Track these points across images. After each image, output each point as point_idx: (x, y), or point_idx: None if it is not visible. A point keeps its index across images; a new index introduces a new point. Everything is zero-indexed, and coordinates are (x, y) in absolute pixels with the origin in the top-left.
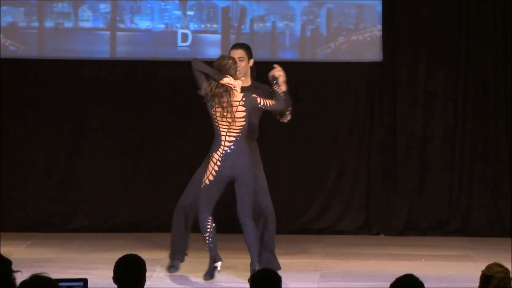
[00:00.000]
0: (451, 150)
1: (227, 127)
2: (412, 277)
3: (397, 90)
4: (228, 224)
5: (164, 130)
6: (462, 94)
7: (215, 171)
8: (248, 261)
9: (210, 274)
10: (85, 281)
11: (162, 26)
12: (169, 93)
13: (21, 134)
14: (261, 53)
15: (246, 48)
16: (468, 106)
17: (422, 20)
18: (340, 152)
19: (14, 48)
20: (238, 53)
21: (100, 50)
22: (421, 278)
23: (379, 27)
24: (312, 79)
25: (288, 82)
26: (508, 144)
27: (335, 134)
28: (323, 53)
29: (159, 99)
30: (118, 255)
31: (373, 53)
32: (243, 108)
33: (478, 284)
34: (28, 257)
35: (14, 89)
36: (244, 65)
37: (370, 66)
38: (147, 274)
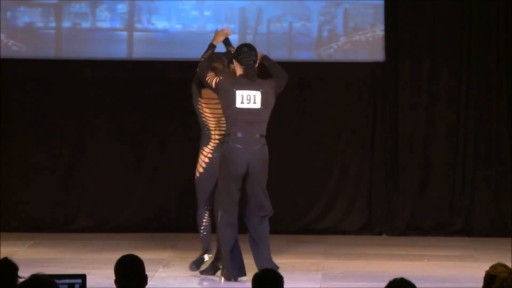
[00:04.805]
0: (454, 151)
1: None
2: (404, 280)
3: (400, 90)
4: None
5: (168, 130)
6: (465, 94)
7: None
8: (250, 261)
9: (196, 264)
10: (83, 277)
11: (179, 26)
12: (177, 93)
13: (24, 134)
14: (277, 54)
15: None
16: (470, 106)
17: (425, 20)
18: (342, 152)
19: (16, 48)
20: None
21: (117, 51)
22: (424, 278)
23: (382, 27)
24: (315, 79)
25: (290, 81)
26: (510, 145)
27: (337, 134)
28: (325, 53)
29: (165, 99)
30: (121, 255)
31: (375, 53)
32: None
33: (480, 284)
34: (30, 257)
35: (17, 89)
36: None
37: (372, 66)
38: (150, 274)
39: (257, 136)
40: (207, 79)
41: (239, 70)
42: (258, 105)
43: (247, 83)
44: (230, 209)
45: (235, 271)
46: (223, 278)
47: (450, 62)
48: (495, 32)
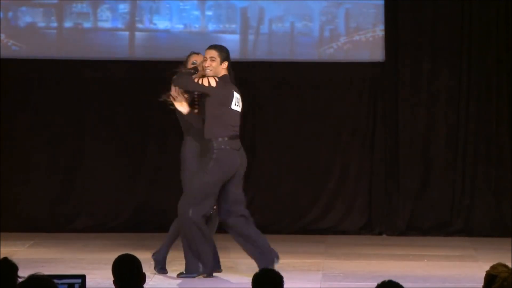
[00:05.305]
0: (454, 151)
1: None
2: (392, 282)
3: (400, 90)
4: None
5: (168, 130)
6: (465, 94)
7: None
8: (250, 261)
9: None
10: (83, 277)
11: (181, 26)
12: None
13: (24, 134)
14: (279, 53)
15: (220, 50)
16: (470, 106)
17: (425, 20)
18: (342, 152)
19: (16, 48)
20: (210, 53)
21: (119, 50)
22: (424, 278)
23: (382, 27)
24: (315, 79)
25: (290, 81)
26: (510, 145)
27: (337, 134)
28: (325, 53)
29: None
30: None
31: (375, 53)
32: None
33: (480, 284)
34: (30, 257)
35: (17, 89)
36: (215, 65)
37: (372, 66)
38: (149, 274)
39: (238, 138)
40: (196, 80)
41: (223, 71)
42: (240, 108)
43: (233, 84)
44: (206, 206)
45: (216, 264)
46: (201, 275)
47: (450, 62)
48: (495, 32)
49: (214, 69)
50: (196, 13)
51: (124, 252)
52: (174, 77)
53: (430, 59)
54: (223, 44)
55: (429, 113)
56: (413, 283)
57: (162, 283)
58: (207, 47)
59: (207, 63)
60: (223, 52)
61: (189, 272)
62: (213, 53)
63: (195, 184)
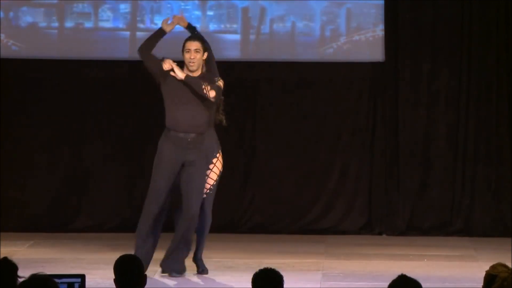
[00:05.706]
0: (454, 151)
1: None
2: (407, 278)
3: (400, 91)
4: (229, 224)
5: None
6: (465, 94)
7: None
8: (250, 261)
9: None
10: (82, 277)
11: None
12: None
13: (24, 134)
14: (280, 54)
15: (203, 41)
16: (470, 106)
17: (425, 20)
18: (342, 152)
19: (16, 48)
20: (195, 45)
21: (120, 50)
22: (424, 278)
23: (382, 27)
24: (315, 79)
25: (290, 81)
26: (510, 145)
27: (337, 134)
28: (325, 53)
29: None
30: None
31: (375, 53)
32: None
33: (480, 284)
34: (30, 257)
35: (16, 89)
36: (199, 57)
37: (372, 66)
38: (150, 274)
39: None
40: (222, 87)
41: (202, 63)
42: None
43: None
44: None
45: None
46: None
47: (450, 62)
48: (495, 32)
49: (198, 61)
50: (197, 13)
51: (123, 252)
52: (214, 94)
53: (430, 59)
54: (224, 43)
55: (429, 113)
56: None
57: (161, 283)
58: (188, 38)
59: (192, 55)
60: (204, 43)
61: (177, 272)
62: (198, 44)
63: (202, 184)
